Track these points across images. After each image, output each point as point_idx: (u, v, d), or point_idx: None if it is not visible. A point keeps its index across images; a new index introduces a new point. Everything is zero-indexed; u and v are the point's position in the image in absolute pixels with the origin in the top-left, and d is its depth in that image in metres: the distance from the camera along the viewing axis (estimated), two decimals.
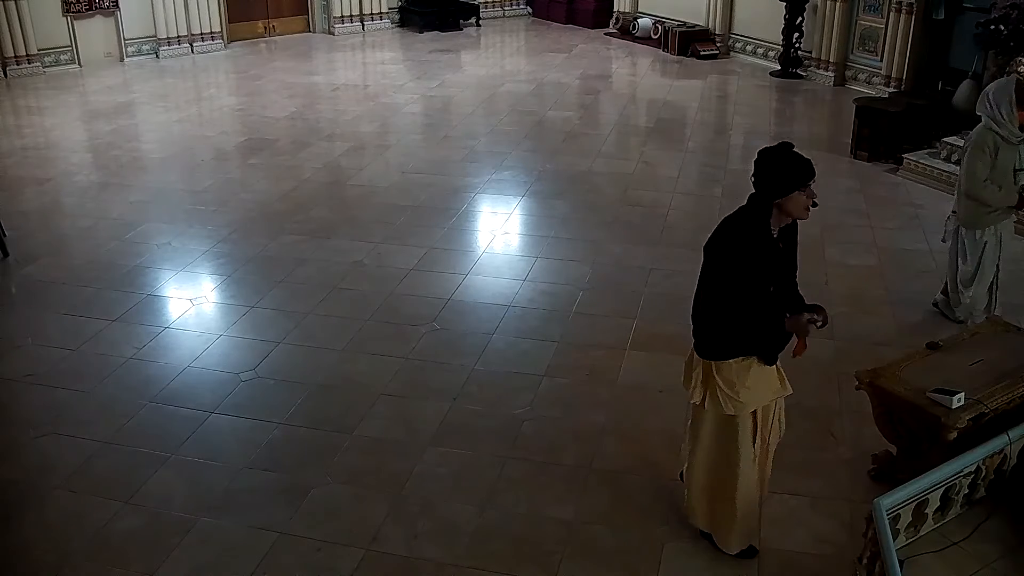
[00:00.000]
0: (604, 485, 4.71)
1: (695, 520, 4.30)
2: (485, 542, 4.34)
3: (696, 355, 3.98)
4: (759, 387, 3.92)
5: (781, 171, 3.65)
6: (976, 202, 5.70)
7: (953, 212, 5.97)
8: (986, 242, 5.81)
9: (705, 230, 4.02)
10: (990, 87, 5.78)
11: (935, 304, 6.32)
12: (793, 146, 3.74)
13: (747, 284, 3.72)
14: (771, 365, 3.93)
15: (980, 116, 5.67)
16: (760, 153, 3.75)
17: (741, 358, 3.86)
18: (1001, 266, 5.89)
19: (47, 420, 5.26)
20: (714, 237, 3.81)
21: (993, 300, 5.98)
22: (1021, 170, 5.60)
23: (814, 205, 3.75)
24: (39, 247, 7.52)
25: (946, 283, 6.21)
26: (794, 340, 3.93)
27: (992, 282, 5.93)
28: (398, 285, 6.83)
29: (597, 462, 4.88)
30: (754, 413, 3.97)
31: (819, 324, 3.82)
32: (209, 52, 14.01)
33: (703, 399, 3.96)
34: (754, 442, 4.00)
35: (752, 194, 3.76)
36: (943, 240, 6.17)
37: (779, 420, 4.18)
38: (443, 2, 15.79)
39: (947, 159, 8.52)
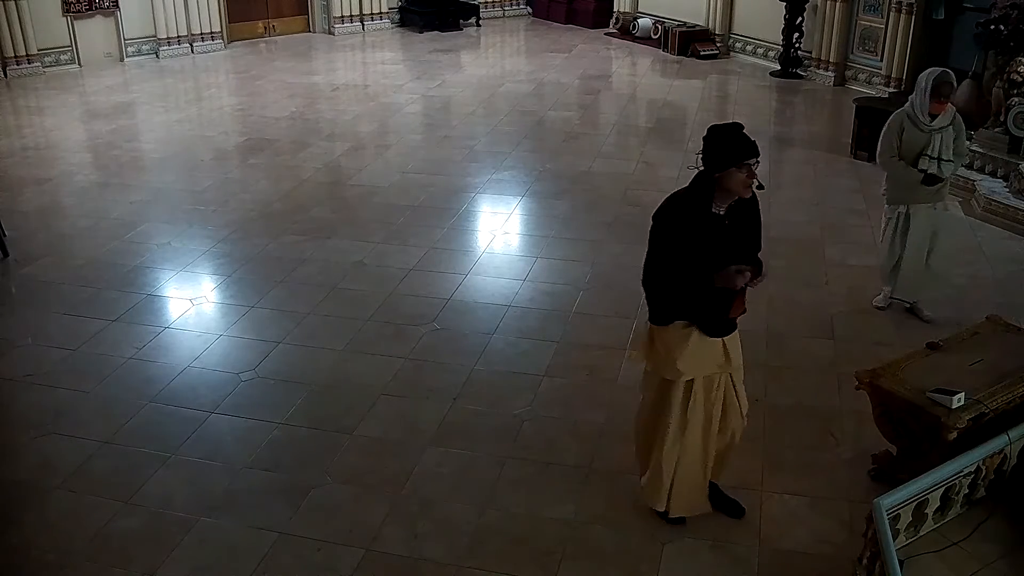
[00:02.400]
0: (604, 485, 4.71)
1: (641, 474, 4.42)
2: (485, 542, 4.34)
3: (648, 321, 4.16)
4: (698, 356, 4.04)
5: (721, 147, 3.81)
6: (892, 179, 6.06)
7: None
8: (889, 219, 6.17)
9: None
10: (921, 74, 5.99)
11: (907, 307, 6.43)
12: (743, 127, 3.89)
13: (682, 253, 3.87)
14: (712, 337, 4.04)
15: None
16: (709, 129, 3.92)
17: (682, 326, 4.01)
18: (909, 252, 6.10)
19: (47, 420, 5.26)
20: (660, 207, 3.99)
21: (894, 280, 6.26)
22: (925, 155, 5.85)
23: (759, 187, 3.88)
24: (39, 247, 7.52)
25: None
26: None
27: (895, 264, 6.19)
28: (398, 285, 6.83)
29: (597, 462, 4.88)
30: (691, 383, 4.08)
31: (748, 276, 3.87)
32: (209, 52, 14.01)
33: (645, 360, 4.17)
34: (686, 411, 4.11)
35: (699, 169, 3.90)
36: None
37: (736, 403, 4.26)
38: (443, 2, 15.79)
39: None
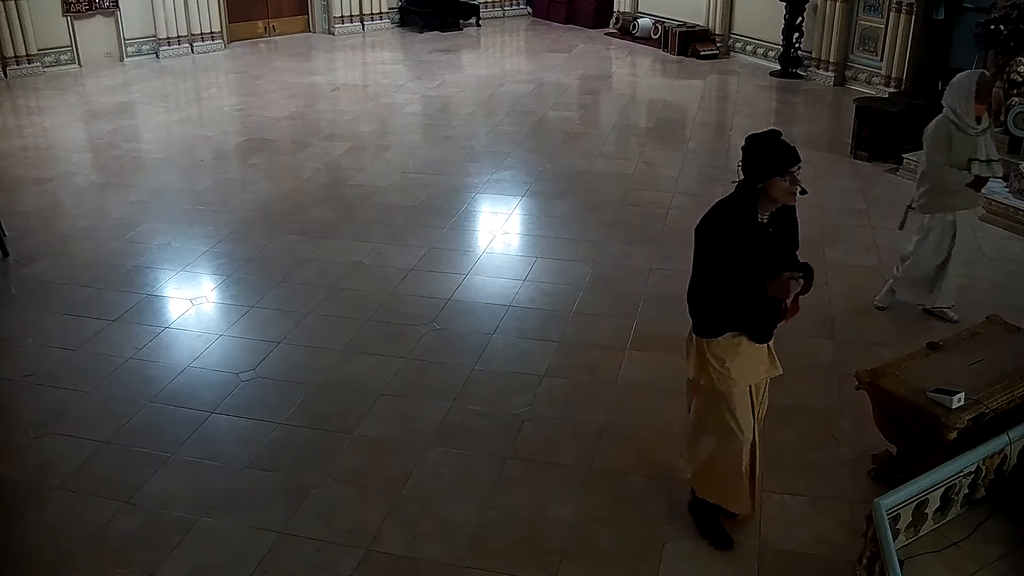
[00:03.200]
0: (604, 485, 4.71)
1: (701, 490, 4.36)
2: (485, 542, 4.34)
3: (693, 333, 4.11)
4: (749, 364, 4.04)
5: (762, 157, 3.78)
6: (936, 187, 5.89)
7: (910, 203, 6.19)
8: (932, 228, 6.00)
9: None
10: (955, 78, 5.92)
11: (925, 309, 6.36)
12: (781, 134, 3.84)
13: (732, 265, 3.83)
14: (761, 343, 4.03)
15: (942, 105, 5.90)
16: (747, 138, 3.87)
17: (732, 336, 3.98)
18: (955, 259, 6.00)
19: (47, 420, 5.26)
20: (703, 220, 3.94)
21: (940, 290, 6.11)
22: (975, 159, 5.75)
23: (802, 192, 3.85)
24: (39, 247, 7.52)
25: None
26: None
27: (941, 270, 6.05)
28: (398, 285, 6.83)
29: (597, 462, 4.88)
30: (747, 390, 4.08)
31: (800, 280, 3.86)
32: (209, 52, 14.01)
33: (697, 374, 4.10)
34: (749, 416, 4.11)
35: (740, 179, 3.86)
36: (899, 228, 6.33)
37: (766, 397, 4.29)
38: (443, 2, 15.79)
39: None
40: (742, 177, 3.84)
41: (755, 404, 4.15)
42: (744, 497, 4.28)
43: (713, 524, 4.34)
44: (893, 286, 6.37)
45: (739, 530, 4.38)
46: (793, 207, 3.97)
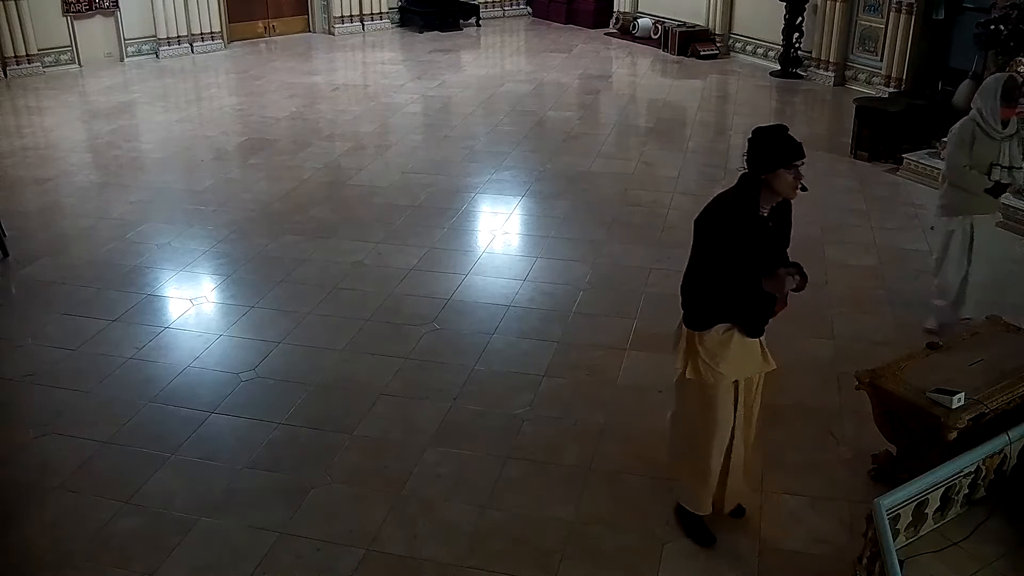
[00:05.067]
0: (604, 485, 4.71)
1: (675, 490, 4.41)
2: (485, 542, 4.34)
3: (683, 326, 4.10)
4: (739, 359, 4.04)
5: (768, 148, 3.81)
6: (956, 189, 5.80)
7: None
8: (952, 231, 5.89)
9: None
10: (986, 80, 5.87)
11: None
12: (788, 128, 3.88)
13: (730, 257, 3.84)
14: (753, 338, 4.04)
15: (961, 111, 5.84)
16: (754, 131, 3.90)
17: (723, 330, 3.99)
18: (975, 266, 5.88)
19: (47, 420, 5.26)
20: (704, 211, 3.95)
21: (962, 298, 5.97)
22: (997, 165, 5.69)
23: (803, 189, 3.87)
24: (39, 247, 7.52)
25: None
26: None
27: (963, 278, 5.94)
28: (398, 285, 6.83)
29: (597, 462, 4.88)
30: (736, 383, 4.09)
31: (796, 277, 3.87)
32: (209, 52, 14.01)
33: (685, 367, 4.10)
34: (733, 413, 4.12)
35: (743, 172, 3.88)
36: (932, 227, 6.28)
37: (760, 392, 4.29)
38: (443, 2, 15.79)
39: None
40: (746, 169, 3.86)
41: (741, 402, 4.14)
42: (706, 497, 4.28)
43: (696, 524, 4.34)
44: (937, 303, 6.10)
45: (739, 530, 4.38)
46: (790, 204, 3.99)
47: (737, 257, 3.83)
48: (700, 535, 4.32)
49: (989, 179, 5.68)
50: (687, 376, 4.10)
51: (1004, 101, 5.60)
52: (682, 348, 4.12)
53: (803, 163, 3.83)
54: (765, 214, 3.90)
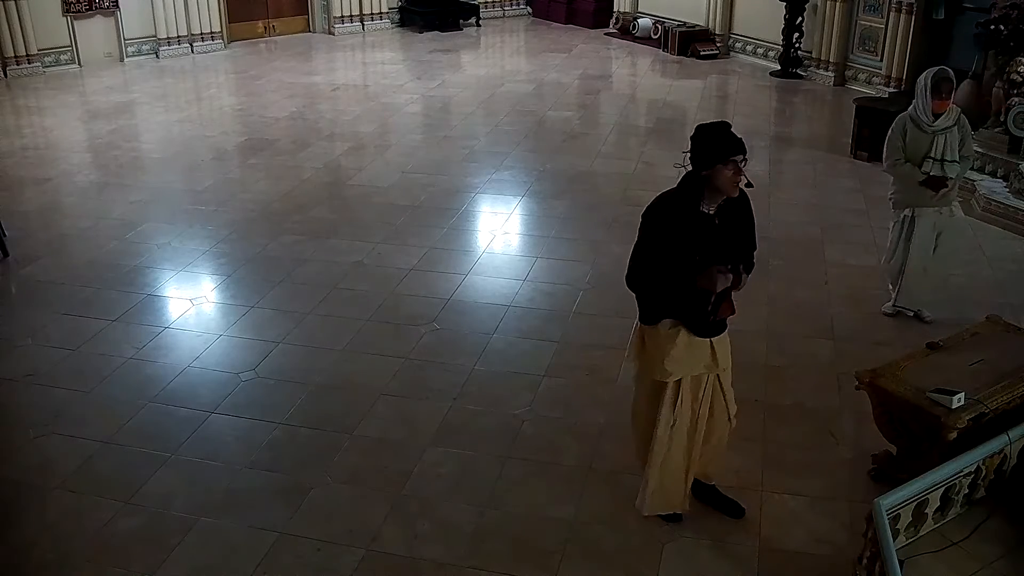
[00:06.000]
0: (604, 485, 4.71)
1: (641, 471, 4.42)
2: (485, 542, 4.34)
3: (638, 319, 4.16)
4: (686, 357, 4.05)
5: (707, 145, 3.81)
6: (897, 182, 6.01)
7: None
8: (895, 223, 6.10)
9: None
10: (921, 75, 5.95)
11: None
12: (730, 125, 3.89)
13: (666, 252, 3.87)
14: (701, 337, 4.04)
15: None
16: (696, 128, 3.92)
17: (670, 326, 4.01)
18: (913, 257, 6.03)
19: (47, 420, 5.26)
20: (649, 206, 3.99)
21: (898, 288, 6.19)
22: (929, 157, 5.78)
23: (748, 186, 3.88)
24: (39, 247, 7.52)
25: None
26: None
27: (900, 269, 6.12)
28: (398, 285, 6.83)
29: (597, 462, 4.88)
30: (678, 383, 4.09)
31: (729, 275, 3.85)
32: (209, 52, 14.01)
33: (634, 359, 4.19)
34: (674, 409, 4.12)
35: (688, 169, 3.90)
36: None
37: (724, 405, 4.26)
38: (443, 2, 15.79)
39: None
40: (690, 167, 3.88)
41: (686, 398, 4.12)
42: (670, 494, 4.28)
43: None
44: (892, 293, 6.33)
45: (739, 530, 4.38)
46: (747, 203, 3.99)
47: (674, 252, 3.85)
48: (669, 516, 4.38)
49: (921, 171, 5.80)
50: (636, 369, 4.21)
51: (934, 94, 5.69)
52: (634, 342, 4.19)
53: (743, 159, 3.81)
54: (711, 212, 3.89)
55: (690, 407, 4.16)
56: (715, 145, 3.80)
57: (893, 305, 6.30)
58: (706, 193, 3.87)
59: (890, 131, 5.96)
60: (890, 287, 6.34)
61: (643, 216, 3.99)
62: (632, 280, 4.04)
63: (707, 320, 4.01)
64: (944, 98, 5.71)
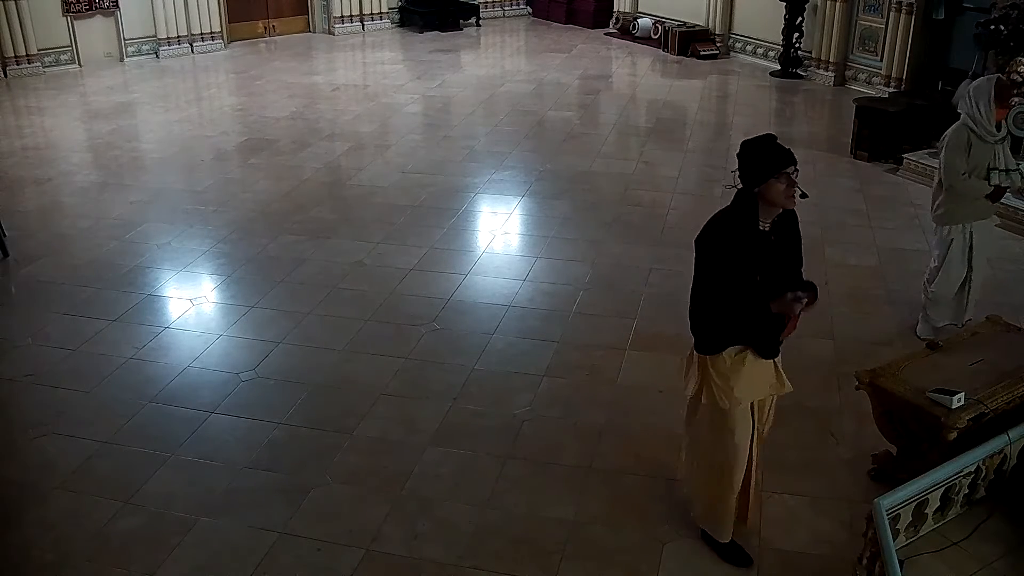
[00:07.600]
0: (604, 485, 4.71)
1: (695, 514, 4.31)
2: (485, 542, 4.34)
3: (694, 351, 4.01)
4: (753, 381, 3.93)
5: (756, 160, 3.70)
6: (954, 196, 5.69)
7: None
8: (952, 240, 5.80)
9: None
10: (971, 84, 5.79)
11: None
12: (776, 138, 3.76)
13: (733, 275, 3.72)
14: (767, 359, 3.93)
15: (959, 112, 5.71)
16: (741, 144, 3.79)
17: (735, 352, 3.87)
18: (976, 271, 5.84)
19: (47, 420, 5.26)
20: (703, 231, 3.84)
21: (965, 304, 5.93)
22: (995, 169, 5.61)
23: (803, 196, 3.75)
24: (39, 247, 7.52)
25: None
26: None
27: (964, 285, 5.89)
28: (398, 285, 6.83)
29: (597, 462, 4.88)
30: (749, 408, 3.98)
31: (804, 300, 3.76)
32: (209, 52, 14.01)
33: (699, 392, 3.99)
34: (748, 436, 4.01)
35: (738, 188, 3.79)
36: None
37: (772, 412, 4.22)
38: (443, 2, 15.79)
39: None
40: (740, 185, 3.76)
41: (756, 422, 4.04)
42: (728, 522, 4.17)
43: (728, 547, 4.24)
44: (929, 312, 6.04)
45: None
46: (795, 217, 3.88)
47: (741, 276, 3.71)
48: (735, 556, 4.20)
49: (988, 183, 5.60)
50: (702, 401, 3.98)
51: (999, 101, 5.52)
52: (693, 374, 4.00)
53: (795, 170, 3.70)
54: (767, 228, 3.77)
55: (755, 430, 4.05)
56: (764, 159, 3.67)
57: (936, 327, 5.94)
58: (760, 209, 3.73)
59: (946, 147, 5.63)
60: (927, 311, 6.03)
61: (699, 243, 3.80)
62: (699, 311, 3.88)
63: (777, 343, 3.92)
64: (1007, 105, 5.53)
